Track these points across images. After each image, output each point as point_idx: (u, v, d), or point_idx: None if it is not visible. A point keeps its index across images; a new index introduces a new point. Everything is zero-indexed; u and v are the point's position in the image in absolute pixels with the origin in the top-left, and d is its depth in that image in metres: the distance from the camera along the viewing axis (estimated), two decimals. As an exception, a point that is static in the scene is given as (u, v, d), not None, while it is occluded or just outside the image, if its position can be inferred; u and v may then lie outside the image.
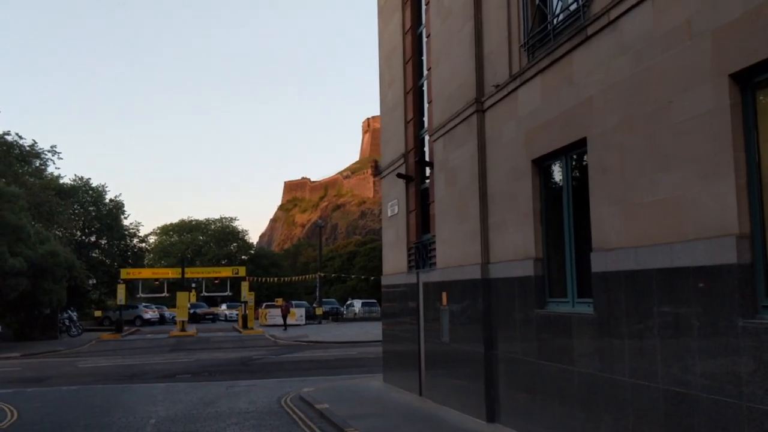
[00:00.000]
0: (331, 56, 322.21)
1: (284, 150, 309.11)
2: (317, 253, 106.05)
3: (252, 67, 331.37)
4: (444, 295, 13.02)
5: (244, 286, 49.58)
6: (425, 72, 15.13)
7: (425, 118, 15.45)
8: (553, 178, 9.73)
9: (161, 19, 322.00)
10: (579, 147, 8.76)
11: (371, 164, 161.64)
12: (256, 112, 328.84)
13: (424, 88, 15.49)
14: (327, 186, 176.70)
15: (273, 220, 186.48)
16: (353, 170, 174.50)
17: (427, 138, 14.94)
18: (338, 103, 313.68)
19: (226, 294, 56.71)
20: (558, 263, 9.54)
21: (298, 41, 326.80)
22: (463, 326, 12.12)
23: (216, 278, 53.81)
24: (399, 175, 15.70)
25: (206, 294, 60.03)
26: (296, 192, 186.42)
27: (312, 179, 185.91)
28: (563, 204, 9.24)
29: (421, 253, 14.96)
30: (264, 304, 56.69)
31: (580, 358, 8.46)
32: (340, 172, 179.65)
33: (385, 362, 17.50)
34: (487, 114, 11.45)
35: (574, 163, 9.14)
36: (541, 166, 9.81)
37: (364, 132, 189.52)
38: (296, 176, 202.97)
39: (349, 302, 69.14)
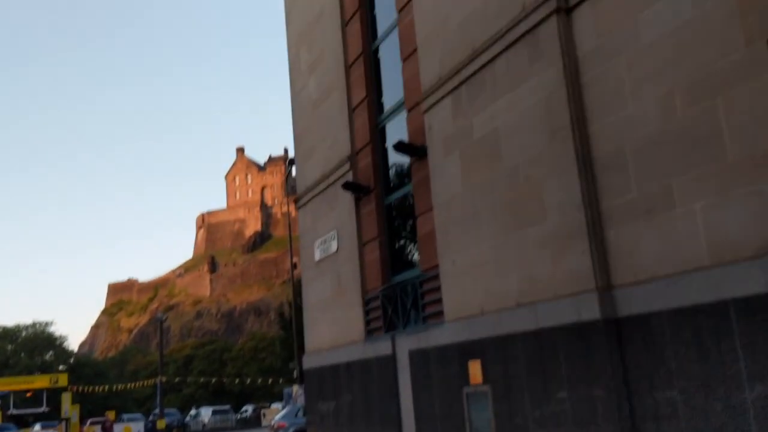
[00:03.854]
0: (157, 153, 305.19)
1: (107, 250, 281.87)
2: (147, 360, 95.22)
3: (69, 164, 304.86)
4: (475, 367, 7.26)
5: (66, 398, 39.81)
6: (396, 16, 9.71)
7: (384, 99, 10.06)
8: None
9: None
10: None
11: (207, 260, 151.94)
12: (74, 212, 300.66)
13: (380, 54, 10.18)
14: (158, 286, 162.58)
15: (95, 327, 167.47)
16: (187, 268, 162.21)
17: (400, 118, 9.44)
18: (168, 201, 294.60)
19: (41, 410, 45.97)
20: None
21: (120, 135, 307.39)
22: (542, 422, 6.37)
23: (28, 390, 43.35)
24: (347, 186, 9.91)
25: (15, 412, 48.49)
26: (122, 294, 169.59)
27: (140, 280, 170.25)
28: None
29: (400, 304, 9.12)
30: (89, 421, 46.42)
31: None
32: (173, 271, 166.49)
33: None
34: (578, 12, 6.23)
35: None
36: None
37: (198, 228, 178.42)
38: (122, 277, 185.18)
39: (194, 411, 59.54)
